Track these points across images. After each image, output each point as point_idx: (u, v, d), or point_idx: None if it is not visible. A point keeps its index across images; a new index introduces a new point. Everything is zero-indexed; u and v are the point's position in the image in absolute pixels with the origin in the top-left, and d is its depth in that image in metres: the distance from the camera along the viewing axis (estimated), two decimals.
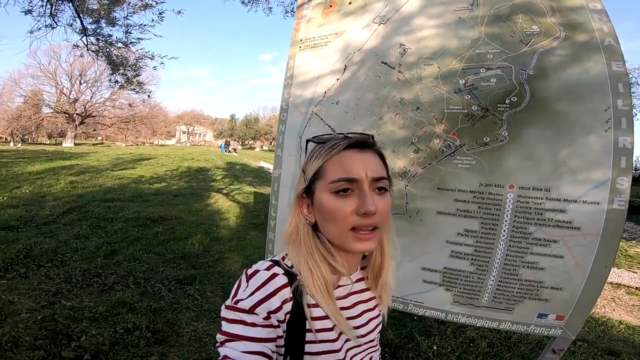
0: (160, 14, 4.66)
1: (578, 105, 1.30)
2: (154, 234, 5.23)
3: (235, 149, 34.02)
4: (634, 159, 1.23)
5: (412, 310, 1.50)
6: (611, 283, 4.75)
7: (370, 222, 0.64)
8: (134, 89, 5.96)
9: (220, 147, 34.68)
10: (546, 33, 1.40)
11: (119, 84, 5.73)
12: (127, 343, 2.38)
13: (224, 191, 9.47)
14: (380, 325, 0.81)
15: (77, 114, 29.50)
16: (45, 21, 4.60)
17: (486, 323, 1.42)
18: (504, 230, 1.34)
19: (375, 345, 0.79)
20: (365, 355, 0.75)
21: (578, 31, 1.37)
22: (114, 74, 5.43)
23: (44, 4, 4.40)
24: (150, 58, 5.28)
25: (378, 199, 0.66)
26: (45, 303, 2.81)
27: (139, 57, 5.33)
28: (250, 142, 52.23)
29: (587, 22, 1.38)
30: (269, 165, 18.56)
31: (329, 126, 1.68)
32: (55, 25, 4.79)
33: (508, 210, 1.34)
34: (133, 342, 2.40)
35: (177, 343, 2.52)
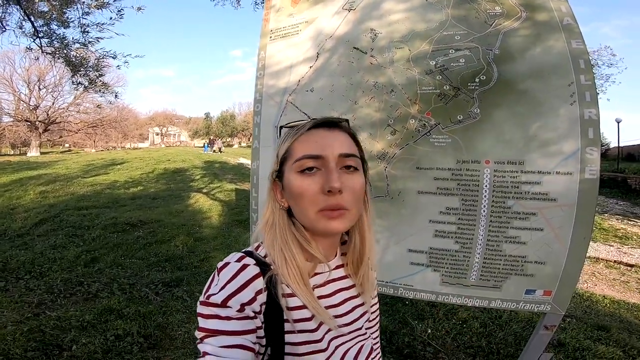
0: (119, 11, 4.46)
1: (543, 82, 1.36)
2: (135, 238, 5.11)
3: (220, 149, 32.37)
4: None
5: (402, 294, 1.53)
6: (589, 257, 4.81)
7: (338, 202, 0.62)
8: (100, 90, 5.69)
9: (204, 147, 32.80)
10: (508, 14, 1.45)
11: (82, 86, 5.46)
12: (119, 350, 2.34)
13: (204, 190, 9.32)
14: (368, 314, 0.79)
15: (39, 121, 28.08)
16: None
17: (477, 302, 1.45)
18: (484, 206, 1.39)
19: (365, 334, 0.76)
20: (353, 345, 0.72)
21: (538, 11, 1.43)
22: (75, 76, 5.16)
23: None
24: (113, 57, 5.04)
25: (346, 177, 0.63)
26: (30, 315, 2.72)
27: (100, 56, 5.07)
28: (228, 140, 51.38)
29: (545, 2, 1.43)
30: (248, 162, 18.34)
31: (305, 114, 1.68)
32: (4, 29, 4.54)
33: (486, 186, 1.39)
34: (126, 349, 2.36)
35: (171, 346, 2.49)
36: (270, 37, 1.86)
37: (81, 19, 4.45)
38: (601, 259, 4.87)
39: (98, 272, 3.83)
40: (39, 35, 4.59)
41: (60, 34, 4.67)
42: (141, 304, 3.03)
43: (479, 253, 1.42)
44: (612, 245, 5.53)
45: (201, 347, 0.57)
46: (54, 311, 2.82)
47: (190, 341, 2.57)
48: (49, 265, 3.88)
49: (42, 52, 4.82)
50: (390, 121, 1.53)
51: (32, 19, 4.33)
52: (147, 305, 3.03)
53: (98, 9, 4.32)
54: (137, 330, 2.55)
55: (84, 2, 4.32)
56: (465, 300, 1.47)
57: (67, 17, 4.44)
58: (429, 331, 2.72)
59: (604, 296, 3.76)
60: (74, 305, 3.00)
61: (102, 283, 3.49)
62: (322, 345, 0.66)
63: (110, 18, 4.54)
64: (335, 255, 0.75)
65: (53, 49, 4.81)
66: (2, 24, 4.41)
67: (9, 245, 4.67)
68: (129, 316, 2.76)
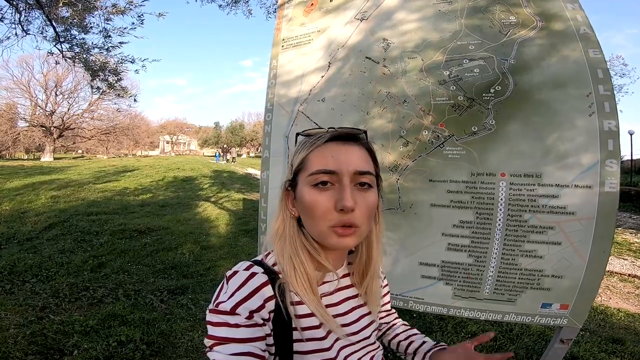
0: (139, 17, 4.56)
1: (561, 92, 1.32)
2: (142, 245, 5.12)
3: (234, 158, 31.57)
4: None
5: (412, 307, 1.49)
6: None
7: (349, 220, 0.62)
8: (119, 94, 5.80)
9: (215, 156, 31.90)
10: (523, 23, 1.43)
11: (101, 90, 5.57)
12: (121, 356, 2.32)
13: (212, 199, 9.35)
14: (375, 323, 0.78)
15: (54, 127, 28.70)
16: (16, 30, 4.48)
17: (490, 316, 1.40)
18: (499, 219, 1.35)
19: (374, 344, 0.76)
20: (364, 355, 0.72)
21: (553, 20, 1.40)
22: (94, 80, 5.27)
23: (13, 12, 4.28)
24: (131, 62, 5.10)
25: (359, 195, 0.63)
26: (33, 318, 2.73)
27: (118, 61, 5.19)
28: (237, 149, 51.89)
29: (561, 11, 1.41)
30: (256, 172, 18.43)
31: (316, 124, 1.67)
32: (26, 34, 4.66)
33: (501, 199, 1.35)
34: (128, 355, 2.33)
35: (173, 354, 2.46)
36: (282, 47, 1.86)
37: (106, 22, 4.56)
38: (615, 273, 4.78)
39: (104, 277, 3.84)
40: (60, 40, 4.71)
41: (80, 39, 4.80)
42: (145, 311, 3.02)
43: (493, 267, 1.37)
44: (626, 259, 5.42)
45: (210, 356, 0.58)
46: (57, 315, 2.82)
47: (193, 349, 2.54)
48: (55, 270, 3.91)
49: (62, 57, 4.93)
50: (403, 132, 1.51)
51: (54, 24, 4.45)
52: (151, 312, 3.02)
53: (119, 14, 4.43)
54: (140, 337, 2.54)
55: (105, 8, 4.44)
56: (478, 314, 1.42)
57: (88, 23, 4.56)
58: None
59: (618, 309, 3.66)
60: (78, 310, 3.00)
61: (108, 289, 3.49)
62: (331, 354, 0.65)
63: (132, 23, 4.65)
64: (343, 265, 0.75)
65: (73, 54, 4.92)
66: (23, 29, 4.54)
67: (17, 248, 4.72)
68: (132, 322, 2.75)
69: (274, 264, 0.68)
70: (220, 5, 5.38)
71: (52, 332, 2.52)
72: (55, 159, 26.93)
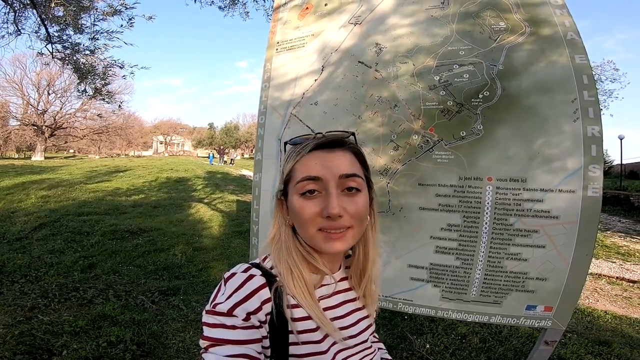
0: (129, 19, 4.53)
1: (547, 97, 1.36)
2: (134, 246, 5.08)
3: (232, 160, 30.05)
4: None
5: (401, 308, 1.51)
6: (591, 274, 4.80)
7: (337, 225, 0.62)
8: (104, 99, 5.73)
9: (209, 157, 29.82)
10: (512, 29, 1.46)
11: (87, 94, 5.50)
12: (111, 357, 2.30)
13: (206, 200, 9.31)
14: (373, 326, 0.79)
15: (46, 126, 28.30)
16: (9, 28, 4.45)
17: (477, 317, 1.43)
18: (486, 223, 1.38)
19: (371, 347, 0.76)
20: (361, 359, 0.72)
21: (542, 26, 1.44)
22: (82, 83, 5.19)
23: (7, 11, 4.25)
24: (120, 67, 5.07)
25: (347, 200, 0.63)
26: (22, 318, 2.71)
27: (107, 65, 5.14)
28: (234, 151, 51.51)
29: (549, 16, 1.44)
30: (250, 173, 18.36)
31: (308, 127, 1.68)
32: (19, 33, 4.63)
33: (488, 203, 1.37)
34: (118, 356, 2.32)
35: (164, 355, 2.45)
36: (277, 50, 1.88)
37: (93, 24, 4.52)
38: (603, 275, 4.86)
39: (94, 278, 3.81)
40: (52, 40, 4.67)
41: (72, 40, 4.75)
42: (136, 312, 3.00)
43: (479, 269, 1.40)
44: (614, 262, 5.52)
45: (205, 357, 0.57)
46: (47, 316, 2.80)
47: (184, 350, 2.53)
48: (45, 270, 3.88)
49: (52, 57, 4.89)
50: (394, 136, 1.53)
51: (46, 24, 4.41)
52: (142, 313, 3.01)
53: (112, 16, 4.40)
54: (131, 338, 2.53)
55: (97, 9, 4.41)
56: (465, 316, 1.44)
57: (81, 24, 4.51)
58: (428, 346, 2.68)
59: (605, 312, 3.72)
60: (67, 310, 2.98)
61: (98, 289, 3.47)
62: (327, 357, 0.65)
63: (121, 25, 4.61)
64: (340, 268, 0.76)
65: (64, 55, 4.87)
66: (17, 28, 4.50)
67: (7, 248, 4.66)
68: (123, 323, 2.73)
69: (271, 268, 0.68)
70: (220, 7, 5.39)
71: (40, 332, 2.50)
72: (46, 158, 26.54)
